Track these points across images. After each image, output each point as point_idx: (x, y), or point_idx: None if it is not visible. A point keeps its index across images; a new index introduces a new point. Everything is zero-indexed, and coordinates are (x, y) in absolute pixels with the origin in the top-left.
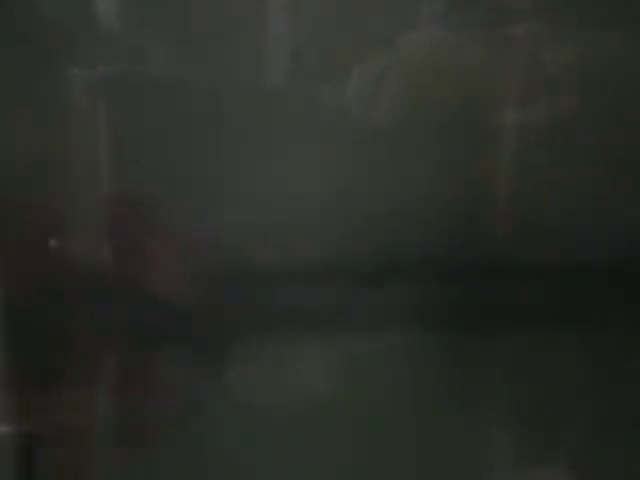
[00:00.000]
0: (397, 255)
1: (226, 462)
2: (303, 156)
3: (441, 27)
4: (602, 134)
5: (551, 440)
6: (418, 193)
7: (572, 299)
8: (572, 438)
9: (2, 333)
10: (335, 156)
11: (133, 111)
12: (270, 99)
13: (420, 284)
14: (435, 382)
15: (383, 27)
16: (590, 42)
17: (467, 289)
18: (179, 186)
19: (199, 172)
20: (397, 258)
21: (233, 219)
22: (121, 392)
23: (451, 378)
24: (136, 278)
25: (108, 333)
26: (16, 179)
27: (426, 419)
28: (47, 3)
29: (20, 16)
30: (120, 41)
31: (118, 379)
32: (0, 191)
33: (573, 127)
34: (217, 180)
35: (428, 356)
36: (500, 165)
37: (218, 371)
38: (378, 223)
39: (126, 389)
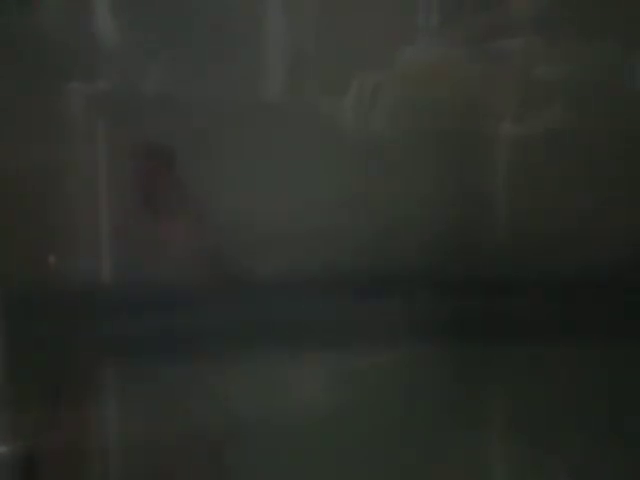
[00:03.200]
0: (395, 269)
1: (227, 477)
2: (300, 169)
3: (438, 41)
4: (599, 146)
5: (550, 453)
6: (416, 206)
7: (571, 312)
8: (572, 451)
9: (1, 350)
10: (333, 169)
11: (133, 125)
12: (269, 111)
13: (418, 298)
14: (435, 395)
15: (380, 41)
16: (585, 55)
17: (466, 303)
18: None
19: (198, 184)
20: (395, 272)
21: (232, 232)
22: (119, 408)
23: (451, 391)
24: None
25: (107, 349)
26: (16, 187)
27: (425, 432)
28: (47, 19)
29: (20, 31)
30: (119, 56)
31: (117, 395)
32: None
33: (570, 139)
34: (215, 193)
35: (428, 369)
36: (498, 178)
37: (218, 385)
38: (375, 236)
39: (124, 405)
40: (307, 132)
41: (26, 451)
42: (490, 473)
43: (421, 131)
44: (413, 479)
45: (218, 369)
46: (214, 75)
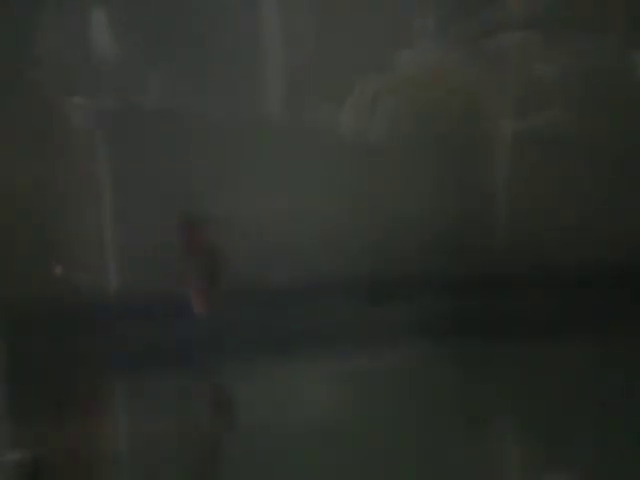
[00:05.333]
0: (398, 271)
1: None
2: (302, 177)
3: (435, 45)
4: (597, 144)
5: (554, 446)
6: (418, 209)
7: (572, 309)
8: (575, 444)
9: (7, 362)
10: (335, 176)
11: (133, 141)
12: (271, 121)
13: (422, 299)
14: (439, 393)
15: (378, 47)
16: (585, 53)
17: (469, 302)
18: (181, 209)
19: (201, 196)
20: (399, 274)
21: (234, 242)
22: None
23: (455, 390)
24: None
25: (110, 358)
26: (16, 202)
27: (430, 429)
28: (48, 36)
29: (21, 50)
30: (120, 73)
31: (121, 403)
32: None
33: (570, 138)
34: (218, 203)
35: (433, 368)
36: (497, 178)
37: (226, 390)
38: (378, 240)
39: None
40: (309, 140)
41: (32, 458)
42: (493, 466)
43: (422, 134)
44: (420, 473)
45: (224, 374)
46: (215, 86)
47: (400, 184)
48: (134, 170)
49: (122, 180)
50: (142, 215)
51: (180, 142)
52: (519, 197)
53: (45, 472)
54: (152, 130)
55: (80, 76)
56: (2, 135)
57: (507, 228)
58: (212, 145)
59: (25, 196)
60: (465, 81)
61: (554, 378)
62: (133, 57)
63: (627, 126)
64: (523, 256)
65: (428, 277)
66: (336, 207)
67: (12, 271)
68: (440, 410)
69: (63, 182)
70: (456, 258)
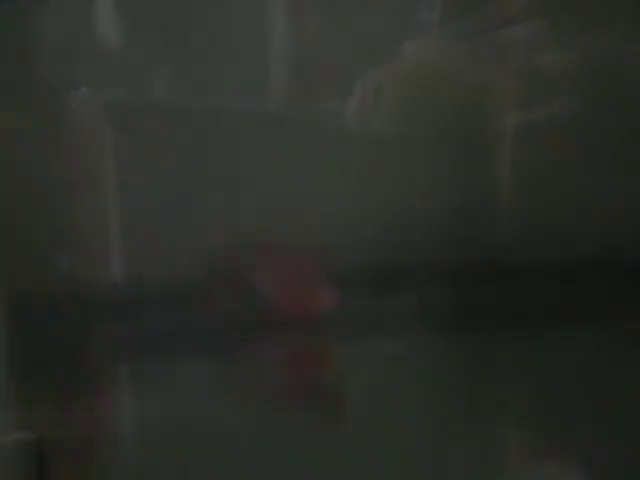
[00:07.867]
0: (399, 261)
1: (242, 472)
2: (307, 167)
3: (438, 37)
4: (600, 135)
5: (556, 439)
6: (420, 199)
7: (573, 297)
8: (576, 436)
9: (9, 340)
10: (338, 167)
11: (139, 134)
12: (274, 115)
13: (422, 289)
14: (441, 385)
15: (380, 39)
16: (589, 42)
17: (470, 291)
18: (186, 203)
19: (205, 189)
20: (399, 264)
21: (239, 233)
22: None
23: (457, 380)
24: None
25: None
26: (20, 196)
27: (433, 421)
28: (51, 27)
29: (24, 42)
30: (125, 65)
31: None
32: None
33: (571, 129)
34: (220, 197)
35: (433, 360)
36: (499, 169)
37: (231, 381)
38: (380, 231)
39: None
40: (312, 134)
41: (36, 440)
42: (496, 459)
43: (425, 127)
44: (423, 465)
45: (229, 365)
46: (217, 80)
47: (402, 177)
48: (140, 163)
49: (127, 173)
50: (148, 205)
51: (186, 136)
52: (521, 190)
53: (50, 453)
54: (158, 123)
55: (86, 68)
56: (5, 126)
57: (510, 220)
58: (216, 138)
59: (29, 189)
60: (468, 74)
61: (555, 371)
62: (138, 49)
63: (631, 122)
64: (526, 248)
65: (430, 268)
66: (339, 199)
67: (17, 258)
68: (441, 401)
69: (69, 174)
70: (462, 248)
